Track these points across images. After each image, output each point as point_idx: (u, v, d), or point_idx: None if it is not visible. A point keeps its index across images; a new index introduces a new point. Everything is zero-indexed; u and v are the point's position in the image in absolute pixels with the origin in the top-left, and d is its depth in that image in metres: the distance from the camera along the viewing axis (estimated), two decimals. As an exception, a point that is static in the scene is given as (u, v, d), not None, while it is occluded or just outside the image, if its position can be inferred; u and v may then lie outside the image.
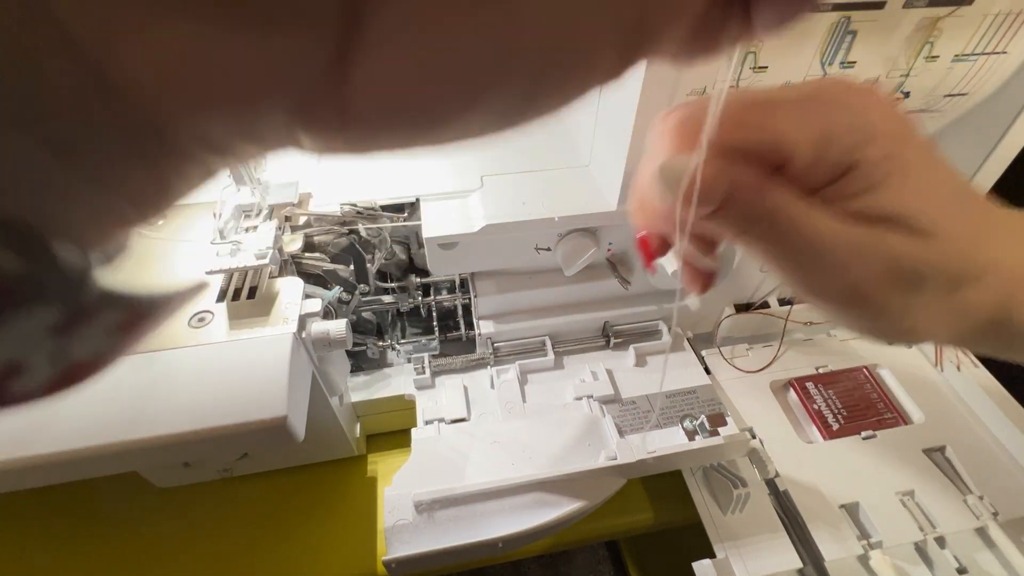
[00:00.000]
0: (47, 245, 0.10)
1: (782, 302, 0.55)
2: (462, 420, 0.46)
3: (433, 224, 0.44)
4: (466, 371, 0.50)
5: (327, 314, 0.42)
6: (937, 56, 0.40)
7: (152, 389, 0.33)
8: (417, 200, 0.46)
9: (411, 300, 0.52)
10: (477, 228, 0.43)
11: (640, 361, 0.52)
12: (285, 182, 0.46)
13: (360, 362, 0.53)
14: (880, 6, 0.36)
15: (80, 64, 0.09)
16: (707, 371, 0.52)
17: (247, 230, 0.41)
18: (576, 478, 0.39)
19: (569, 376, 0.51)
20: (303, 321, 0.38)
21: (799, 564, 0.40)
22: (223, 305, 0.38)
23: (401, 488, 0.38)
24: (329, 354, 0.41)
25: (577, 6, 0.10)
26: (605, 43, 0.11)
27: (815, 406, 0.50)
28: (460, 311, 0.53)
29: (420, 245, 0.46)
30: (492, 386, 0.49)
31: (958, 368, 0.52)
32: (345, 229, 0.46)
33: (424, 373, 0.49)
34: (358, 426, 0.52)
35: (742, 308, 0.55)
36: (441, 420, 0.46)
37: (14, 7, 0.08)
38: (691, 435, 0.45)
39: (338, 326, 0.38)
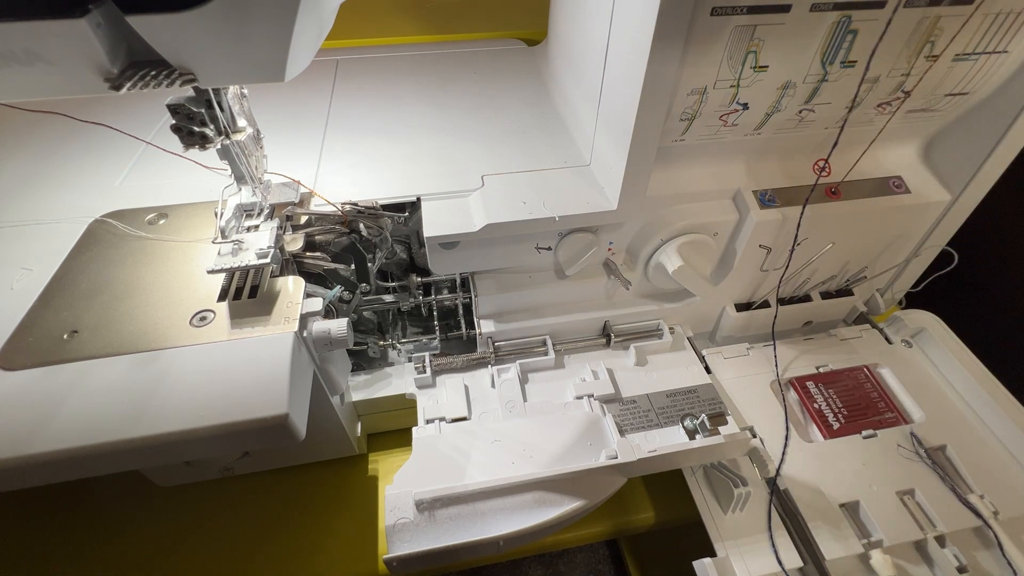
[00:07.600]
0: None
1: (782, 302, 0.55)
2: (463, 419, 0.46)
3: (434, 223, 0.44)
4: (467, 370, 0.50)
5: (328, 313, 0.43)
6: (938, 55, 0.40)
7: (154, 387, 0.33)
8: (418, 200, 0.47)
9: (412, 299, 0.52)
10: (478, 228, 0.43)
11: (641, 360, 0.52)
12: (286, 181, 0.46)
13: (361, 361, 0.53)
14: (880, 5, 0.36)
15: None
16: (708, 370, 0.52)
17: (248, 229, 0.41)
18: (576, 477, 0.39)
19: (570, 375, 0.51)
20: (304, 320, 0.38)
21: (799, 563, 0.40)
22: (224, 304, 0.38)
23: (402, 487, 0.38)
24: (330, 353, 0.41)
25: None
26: None
27: (816, 405, 0.50)
28: (461, 310, 0.54)
29: (421, 244, 0.46)
30: (493, 385, 0.49)
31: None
32: (346, 228, 0.46)
33: (425, 372, 0.49)
34: (359, 425, 0.52)
35: (742, 308, 0.55)
36: (442, 419, 0.46)
37: None
38: (691, 434, 0.45)
39: (339, 325, 0.38)
